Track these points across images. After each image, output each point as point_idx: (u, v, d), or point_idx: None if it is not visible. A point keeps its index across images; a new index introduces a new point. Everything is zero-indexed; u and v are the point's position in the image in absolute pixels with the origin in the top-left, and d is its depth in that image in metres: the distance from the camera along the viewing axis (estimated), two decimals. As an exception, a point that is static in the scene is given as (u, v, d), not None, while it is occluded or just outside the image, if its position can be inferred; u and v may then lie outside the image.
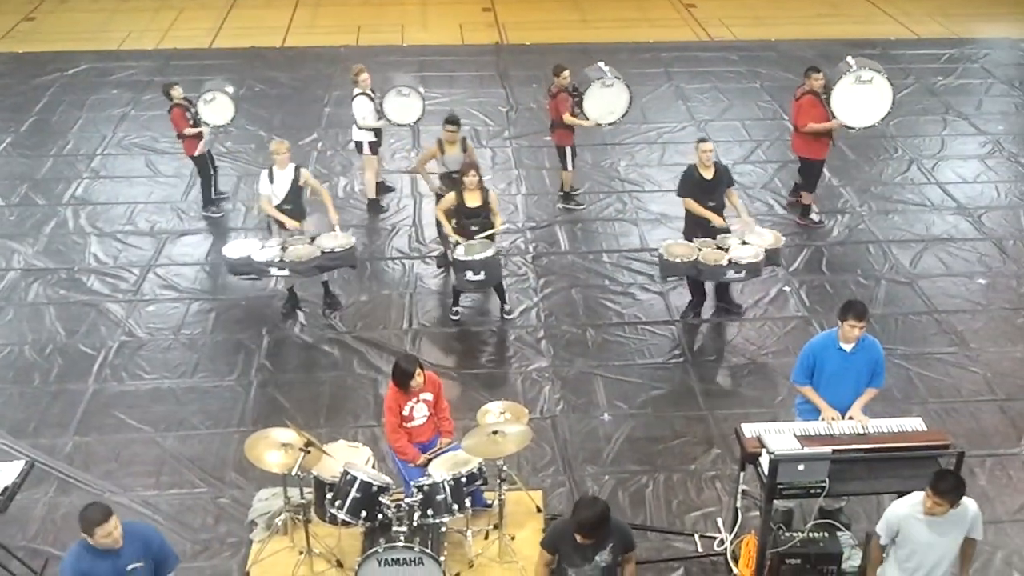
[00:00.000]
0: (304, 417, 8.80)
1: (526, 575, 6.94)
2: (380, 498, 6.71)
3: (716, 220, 9.86)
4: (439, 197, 10.86)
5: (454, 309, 10.39)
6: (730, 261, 9.49)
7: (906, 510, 5.92)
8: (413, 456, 7.26)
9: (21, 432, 8.78)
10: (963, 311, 10.50)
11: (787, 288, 10.84)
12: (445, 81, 16.34)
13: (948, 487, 5.69)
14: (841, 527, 7.00)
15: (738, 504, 7.24)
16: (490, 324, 10.39)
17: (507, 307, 10.42)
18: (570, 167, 12.54)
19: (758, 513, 7.14)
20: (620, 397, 9.25)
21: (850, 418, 7.11)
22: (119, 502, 7.85)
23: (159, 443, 8.69)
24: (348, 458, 7.10)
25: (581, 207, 12.62)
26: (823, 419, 7.12)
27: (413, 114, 12.32)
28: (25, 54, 18.13)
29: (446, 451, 7.27)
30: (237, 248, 9.99)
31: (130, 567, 5.61)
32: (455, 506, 6.78)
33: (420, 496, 6.73)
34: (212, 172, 12.57)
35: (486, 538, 7.27)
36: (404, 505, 6.68)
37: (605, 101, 12.12)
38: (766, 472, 6.50)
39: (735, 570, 7.15)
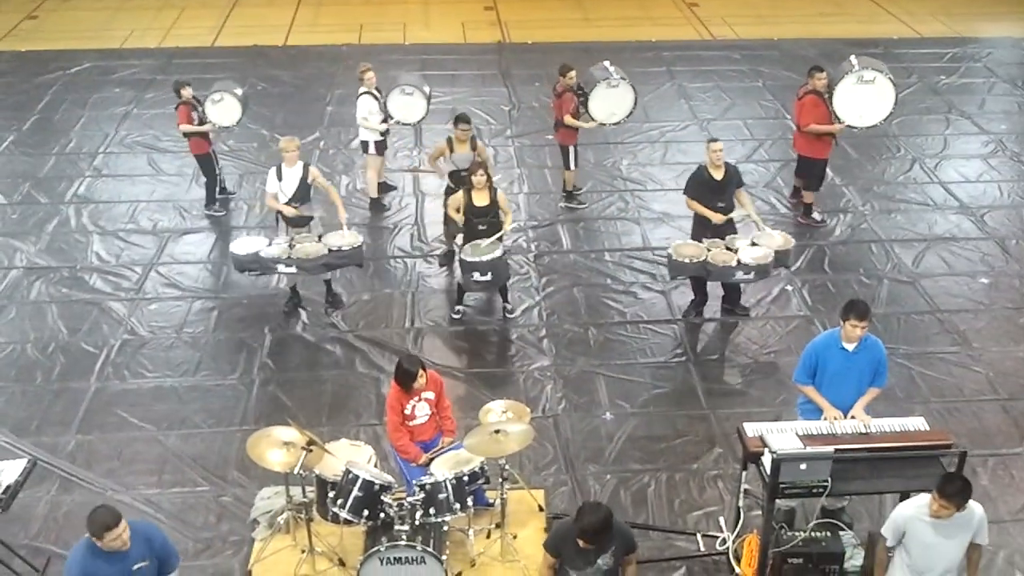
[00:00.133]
0: (306, 416, 8.81)
1: (528, 574, 6.94)
2: (382, 497, 6.71)
3: (715, 217, 9.83)
4: (448, 189, 10.86)
5: (456, 308, 10.39)
6: (739, 262, 9.48)
7: (912, 512, 5.91)
8: (415, 455, 7.26)
9: (23, 430, 8.79)
10: (966, 310, 10.49)
11: (789, 287, 10.84)
12: (447, 80, 16.34)
13: (955, 490, 5.68)
14: (843, 527, 6.99)
15: (740, 503, 7.24)
16: (492, 323, 10.39)
17: (509, 306, 10.42)
18: (573, 166, 12.54)
19: (760, 512, 7.14)
20: (622, 396, 9.25)
21: (852, 417, 7.10)
22: (121, 500, 7.86)
23: (161, 441, 8.70)
24: (350, 457, 7.10)
25: (583, 206, 12.62)
26: (825, 418, 7.12)
27: (417, 113, 12.33)
28: (28, 52, 18.15)
29: (448, 450, 7.26)
30: (245, 244, 10.01)
31: (136, 567, 5.61)
32: (457, 505, 6.78)
33: (422, 495, 6.73)
34: (217, 171, 12.59)
35: (488, 537, 7.27)
36: (406, 504, 6.68)
37: (610, 101, 12.12)
38: (768, 471, 6.49)
39: (737, 569, 7.15)
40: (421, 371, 7.12)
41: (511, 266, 10.66)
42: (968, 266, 11.30)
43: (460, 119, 10.94)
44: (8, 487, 6.93)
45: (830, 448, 6.47)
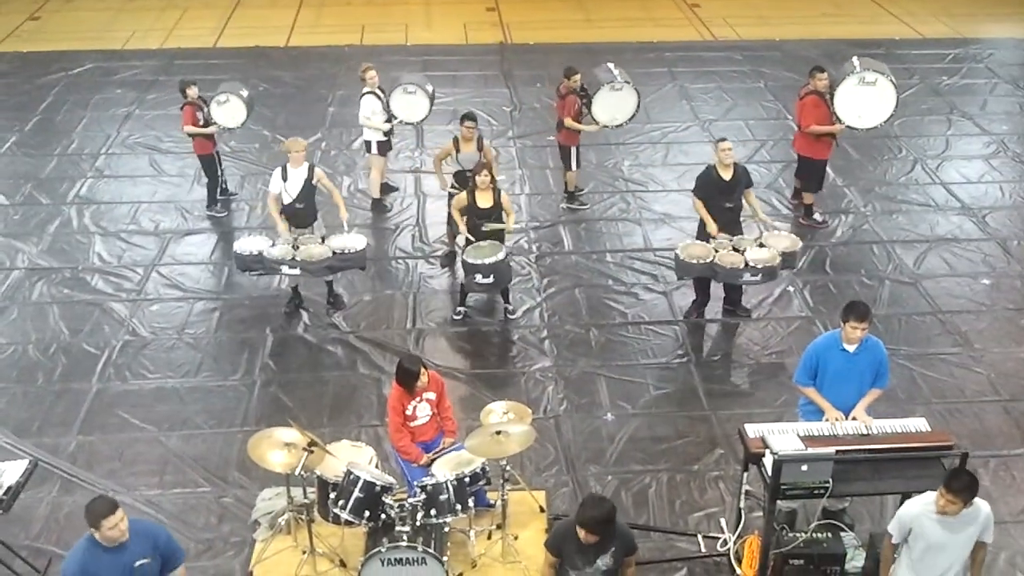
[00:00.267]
0: (307, 417, 8.81)
1: (529, 575, 6.94)
2: (383, 498, 6.72)
3: (711, 227, 9.78)
4: (451, 196, 10.88)
5: (458, 309, 10.39)
6: (747, 264, 9.47)
7: (919, 509, 5.91)
8: (416, 456, 7.26)
9: (25, 431, 8.80)
10: (967, 311, 10.49)
11: (791, 288, 10.83)
12: (449, 81, 16.34)
13: (962, 485, 5.68)
14: (844, 528, 7.00)
15: (741, 504, 7.23)
16: (493, 324, 10.39)
17: (510, 307, 10.42)
18: (574, 167, 12.53)
19: (761, 514, 7.14)
20: (623, 397, 9.24)
21: (854, 419, 7.09)
22: (122, 501, 7.72)
23: (163, 442, 8.70)
24: (351, 458, 7.10)
25: (585, 207, 12.62)
26: (827, 419, 7.12)
27: (419, 113, 12.33)
28: (30, 53, 18.16)
29: (449, 451, 7.27)
30: (249, 244, 10.01)
31: (138, 563, 5.62)
32: (458, 506, 6.78)
33: (423, 496, 6.73)
34: (220, 172, 12.60)
35: (489, 538, 7.26)
36: (407, 505, 6.68)
37: (613, 104, 12.09)
38: (770, 472, 6.49)
39: (738, 571, 7.15)
40: (423, 370, 7.14)
41: (513, 267, 10.66)
42: (970, 267, 11.29)
43: (466, 116, 11.00)
44: (9, 488, 6.93)
45: (831, 449, 6.47)
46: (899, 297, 10.75)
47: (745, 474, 7.11)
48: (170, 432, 8.81)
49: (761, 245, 9.71)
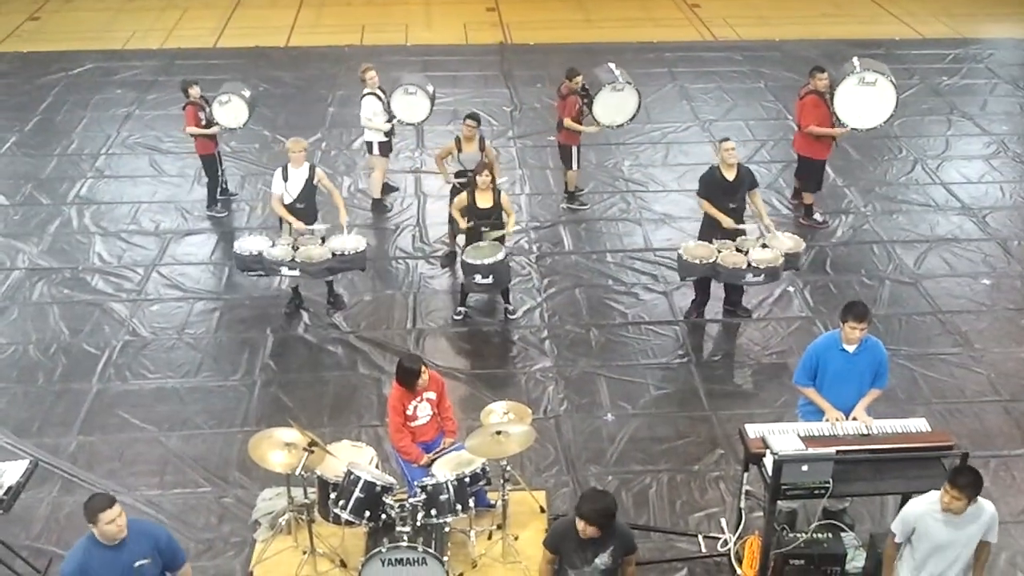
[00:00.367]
0: (308, 417, 8.81)
1: (529, 575, 6.94)
2: (384, 498, 6.72)
3: (726, 221, 9.79)
4: (454, 190, 10.87)
5: (459, 309, 10.38)
6: (749, 264, 9.47)
7: (923, 508, 5.91)
8: (417, 456, 7.26)
9: (25, 431, 8.80)
10: (967, 312, 10.49)
11: (791, 288, 10.83)
12: (449, 81, 16.33)
13: (967, 481, 5.68)
14: (845, 528, 7.00)
15: (742, 505, 7.24)
16: (494, 324, 10.39)
17: (511, 307, 10.42)
18: (575, 167, 12.53)
19: (762, 514, 7.14)
20: (624, 397, 9.24)
21: (854, 419, 7.10)
22: (123, 501, 7.70)
23: (163, 443, 8.70)
24: (352, 458, 7.10)
25: (585, 207, 12.62)
26: (827, 420, 7.12)
27: (420, 113, 12.32)
28: (30, 53, 18.16)
29: (450, 451, 7.27)
30: (249, 244, 10.01)
31: (137, 563, 5.62)
32: (459, 506, 6.78)
33: (424, 496, 6.73)
34: (220, 172, 12.60)
35: (489, 538, 7.26)
36: (408, 505, 6.68)
37: (615, 105, 12.07)
38: (770, 473, 6.49)
39: (739, 571, 7.15)
40: (423, 369, 7.14)
41: (513, 268, 10.66)
42: (970, 267, 11.29)
43: (469, 116, 11.03)
44: (10, 488, 6.93)
45: (831, 449, 6.47)
46: (899, 297, 10.75)
47: (745, 474, 7.11)
48: (170, 432, 8.81)
49: (764, 246, 9.71)
